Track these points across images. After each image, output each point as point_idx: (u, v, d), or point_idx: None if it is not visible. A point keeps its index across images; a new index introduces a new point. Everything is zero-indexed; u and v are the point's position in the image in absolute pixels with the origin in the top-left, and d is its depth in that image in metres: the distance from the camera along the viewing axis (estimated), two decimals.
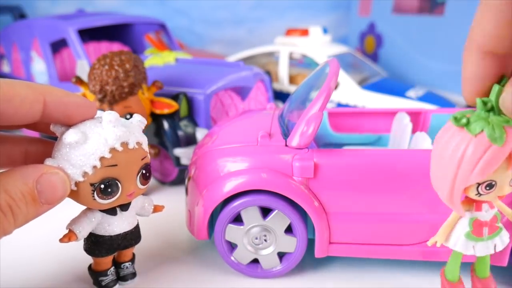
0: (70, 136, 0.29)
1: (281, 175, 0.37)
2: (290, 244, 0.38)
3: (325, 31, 0.88)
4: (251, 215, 0.38)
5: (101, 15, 0.79)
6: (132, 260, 0.38)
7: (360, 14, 1.12)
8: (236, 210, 0.38)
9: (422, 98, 0.71)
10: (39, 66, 0.73)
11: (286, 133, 0.39)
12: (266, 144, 0.38)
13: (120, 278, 0.38)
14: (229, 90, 0.63)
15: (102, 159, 0.29)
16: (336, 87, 0.75)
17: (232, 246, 0.40)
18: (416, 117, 0.53)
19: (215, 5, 1.26)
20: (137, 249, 0.43)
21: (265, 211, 0.38)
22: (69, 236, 0.32)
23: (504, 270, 0.40)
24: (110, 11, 1.22)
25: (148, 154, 0.33)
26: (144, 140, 0.33)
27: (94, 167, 0.29)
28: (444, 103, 0.71)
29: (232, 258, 0.39)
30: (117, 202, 0.32)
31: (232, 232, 0.38)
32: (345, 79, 0.75)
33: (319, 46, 0.84)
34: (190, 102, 0.58)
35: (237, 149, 0.39)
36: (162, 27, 0.87)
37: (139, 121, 0.33)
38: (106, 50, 0.85)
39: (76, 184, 0.30)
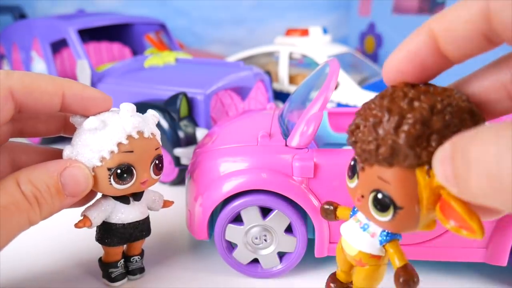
0: (90, 122, 0.31)
1: (281, 175, 0.37)
2: (290, 244, 0.38)
3: (325, 31, 0.88)
4: (251, 215, 0.38)
5: (101, 15, 0.79)
6: (141, 254, 0.39)
7: (360, 14, 1.12)
8: (236, 210, 0.38)
9: None
10: (39, 66, 0.73)
11: (286, 133, 0.39)
12: (266, 144, 0.38)
13: (129, 272, 0.38)
14: (229, 90, 0.63)
15: (119, 144, 0.31)
16: (336, 87, 0.75)
17: (232, 246, 0.40)
18: None
19: (215, 5, 1.26)
20: None
21: (265, 211, 0.38)
22: (84, 221, 0.33)
23: (504, 270, 0.40)
24: (110, 11, 1.22)
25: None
26: (157, 133, 0.34)
27: (112, 152, 0.31)
28: None
29: (232, 258, 0.39)
30: (131, 189, 0.33)
31: (232, 232, 0.38)
32: (345, 79, 0.75)
33: (319, 46, 0.84)
34: (190, 102, 0.58)
35: (237, 149, 0.39)
36: (162, 27, 0.88)
37: (153, 115, 0.35)
38: (106, 50, 0.85)
39: (94, 169, 0.31)
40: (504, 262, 0.36)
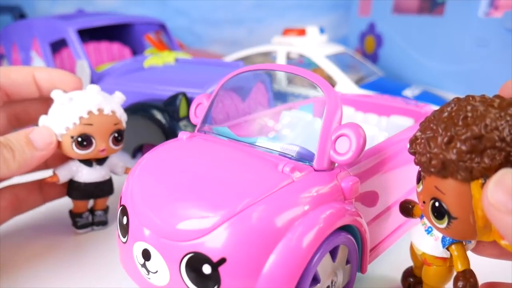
0: (57, 95, 0.39)
1: (336, 203, 0.29)
2: (349, 273, 0.33)
3: (322, 31, 0.88)
4: (324, 267, 0.29)
5: (101, 15, 0.79)
6: (105, 210, 0.46)
7: (360, 14, 1.13)
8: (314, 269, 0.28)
9: (418, 97, 0.72)
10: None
11: (301, 158, 0.31)
12: (299, 177, 0.29)
13: (94, 223, 0.46)
14: (229, 90, 0.63)
15: (81, 118, 0.38)
16: (334, 86, 0.75)
17: None
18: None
19: (215, 5, 1.27)
20: None
21: None
22: (52, 177, 0.42)
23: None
24: (110, 11, 1.23)
25: (122, 122, 0.42)
26: (118, 110, 0.41)
27: (74, 123, 0.38)
28: (440, 102, 0.71)
29: None
30: (91, 155, 0.40)
31: None
32: (342, 78, 0.76)
33: (316, 46, 0.85)
34: (189, 102, 0.58)
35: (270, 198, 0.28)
36: (162, 27, 0.88)
37: (118, 97, 0.42)
38: (106, 50, 0.86)
39: (61, 136, 0.39)
40: None
